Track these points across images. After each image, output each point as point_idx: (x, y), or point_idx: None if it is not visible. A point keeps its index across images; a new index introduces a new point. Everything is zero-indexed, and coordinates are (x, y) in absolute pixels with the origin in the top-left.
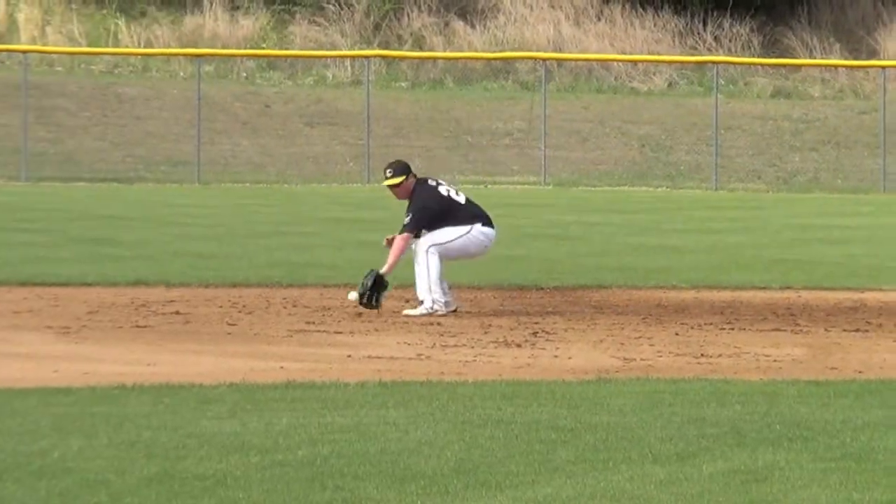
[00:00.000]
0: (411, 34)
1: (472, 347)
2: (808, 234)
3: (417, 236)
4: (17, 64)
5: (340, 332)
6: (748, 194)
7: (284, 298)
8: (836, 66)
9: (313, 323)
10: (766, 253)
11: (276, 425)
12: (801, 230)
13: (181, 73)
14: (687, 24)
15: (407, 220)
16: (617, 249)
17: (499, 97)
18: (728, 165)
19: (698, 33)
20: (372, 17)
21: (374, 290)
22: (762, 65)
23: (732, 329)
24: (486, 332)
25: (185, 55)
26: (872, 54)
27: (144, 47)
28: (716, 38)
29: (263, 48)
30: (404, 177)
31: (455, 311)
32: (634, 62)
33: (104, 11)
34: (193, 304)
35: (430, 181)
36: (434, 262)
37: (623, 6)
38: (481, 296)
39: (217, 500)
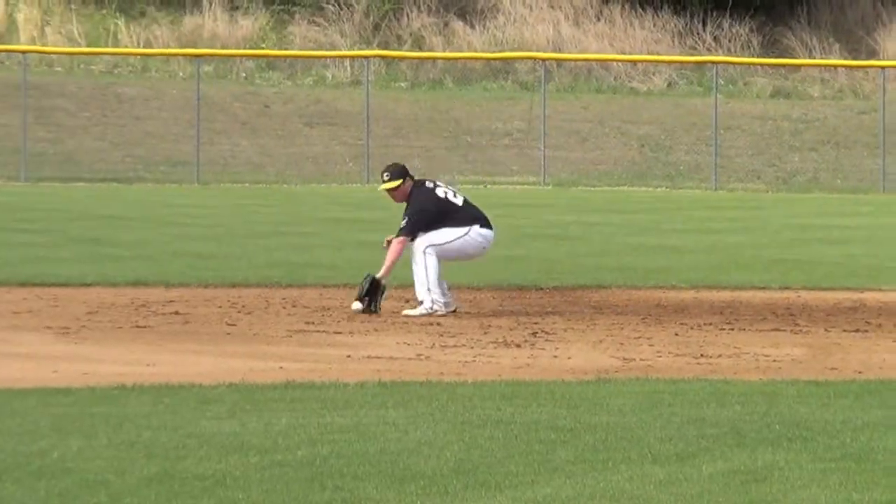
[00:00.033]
0: (411, 34)
1: (472, 348)
2: (807, 234)
3: (414, 239)
4: (17, 64)
5: (340, 333)
6: (748, 194)
7: (284, 299)
8: (835, 67)
9: (313, 323)
10: (766, 253)
11: (275, 425)
12: (800, 230)
13: (180, 74)
14: (686, 25)
15: (403, 223)
16: (616, 249)
17: (498, 97)
18: (727, 165)
19: (698, 33)
20: (371, 18)
21: (371, 294)
22: (762, 65)
23: (732, 329)
24: (485, 333)
25: (184, 55)
26: (872, 54)
27: (144, 47)
28: (715, 39)
29: (263, 48)
30: (401, 180)
31: (454, 311)
32: (634, 62)
33: (103, 11)
34: (193, 304)
35: (427, 183)
36: (432, 262)
37: (622, 6)
38: (481, 296)
39: (216, 501)
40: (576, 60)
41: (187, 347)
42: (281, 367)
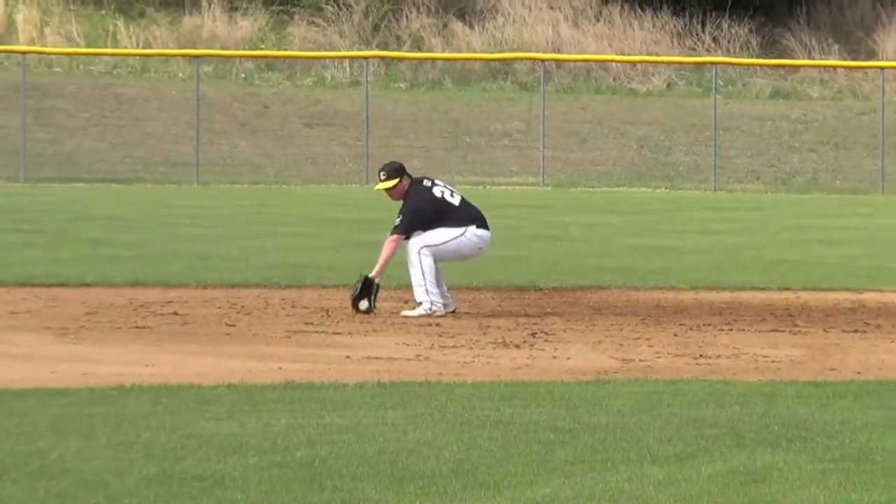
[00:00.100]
0: (410, 35)
1: (471, 348)
2: (806, 234)
3: (408, 237)
4: (16, 65)
5: (339, 333)
6: (747, 195)
7: (283, 299)
8: (834, 67)
9: (312, 324)
10: (765, 254)
11: (274, 426)
12: (799, 231)
13: (180, 74)
14: (685, 25)
15: (398, 221)
16: (616, 250)
17: (497, 98)
18: (727, 166)
19: (697, 34)
20: (370, 18)
21: (365, 293)
22: (761, 65)
23: (731, 330)
24: (484, 333)
25: (183, 56)
26: (871, 55)
27: (143, 48)
28: (714, 39)
29: (262, 49)
30: (398, 179)
31: (453, 311)
32: (633, 63)
33: (102, 12)
34: (192, 304)
35: (424, 182)
36: (428, 263)
37: (622, 7)
38: (480, 296)
39: (215, 501)
40: (575, 61)
41: (186, 348)
42: (280, 368)
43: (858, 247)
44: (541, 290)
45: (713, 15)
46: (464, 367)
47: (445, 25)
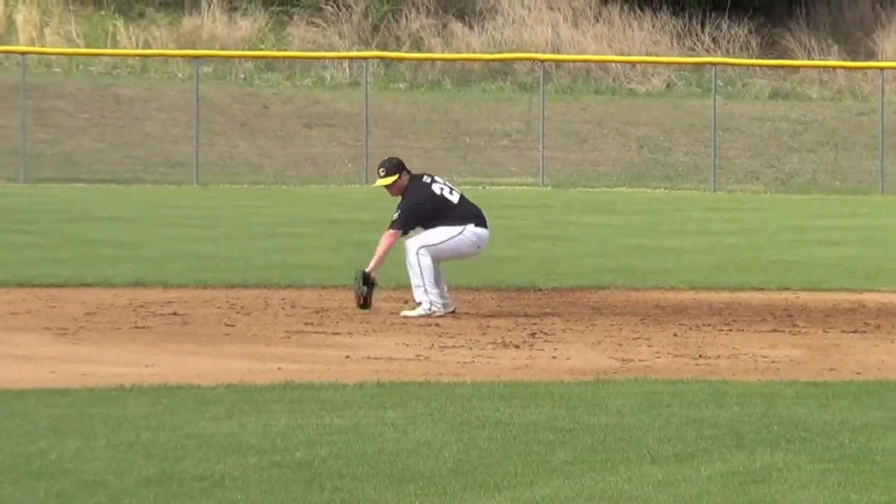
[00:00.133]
0: (409, 35)
1: (471, 348)
2: (806, 235)
3: (406, 233)
4: (16, 65)
5: (338, 333)
6: (746, 195)
7: (282, 299)
8: (834, 68)
9: (311, 324)
10: (765, 254)
11: (274, 426)
12: (799, 231)
13: (179, 75)
14: (685, 26)
15: (396, 215)
16: (615, 250)
17: (497, 98)
18: (726, 167)
19: (696, 34)
20: (370, 19)
21: (364, 289)
22: (760, 66)
23: (731, 330)
24: (484, 333)
25: (183, 56)
26: (870, 56)
27: (142, 48)
28: (714, 40)
29: (261, 49)
30: (397, 175)
31: (453, 312)
32: (632, 63)
33: (102, 12)
34: (191, 305)
35: (424, 178)
36: (426, 263)
37: (621, 7)
38: (479, 297)
39: (215, 502)
40: (574, 61)
41: (186, 348)
42: (279, 368)
43: (858, 247)
44: (540, 290)
45: (712, 15)
46: (463, 367)
47: (445, 26)
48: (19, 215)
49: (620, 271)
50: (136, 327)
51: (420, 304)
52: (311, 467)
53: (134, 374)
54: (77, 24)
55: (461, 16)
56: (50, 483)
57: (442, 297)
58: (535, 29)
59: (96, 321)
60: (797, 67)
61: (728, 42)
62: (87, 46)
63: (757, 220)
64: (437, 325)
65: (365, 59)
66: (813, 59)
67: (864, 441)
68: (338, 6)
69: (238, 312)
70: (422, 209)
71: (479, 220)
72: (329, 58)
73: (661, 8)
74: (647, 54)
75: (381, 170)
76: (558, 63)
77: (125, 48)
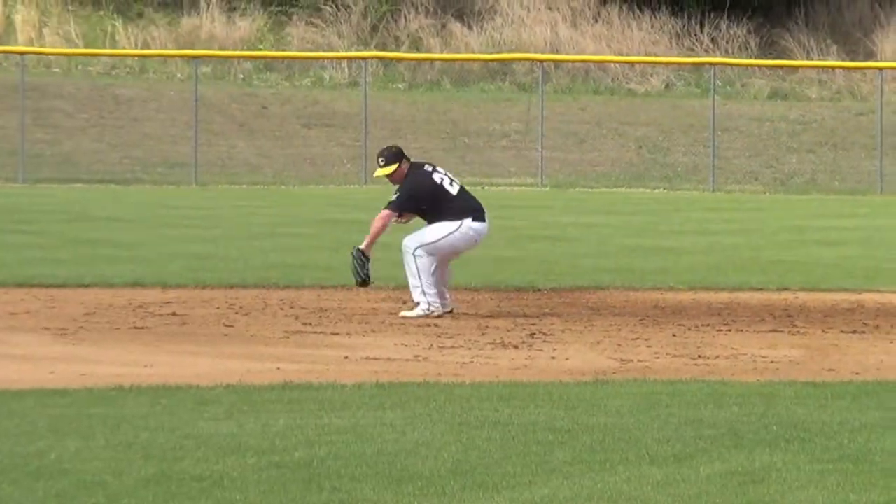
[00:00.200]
0: (408, 36)
1: (470, 349)
2: (805, 235)
3: (400, 216)
4: (15, 65)
5: (337, 334)
6: (745, 196)
7: (281, 300)
8: (833, 68)
9: (310, 324)
10: (764, 254)
11: (272, 426)
12: (798, 231)
13: (178, 75)
14: (684, 26)
15: (394, 197)
16: (614, 251)
17: (496, 98)
18: (725, 167)
19: (695, 35)
20: (369, 19)
21: (361, 266)
22: (759, 66)
23: (730, 330)
24: (483, 334)
25: (182, 56)
26: (869, 56)
27: (141, 48)
28: (713, 40)
29: (260, 49)
30: (397, 164)
31: (451, 312)
32: (631, 63)
33: (101, 13)
34: (190, 305)
35: (426, 167)
36: (423, 263)
37: (620, 8)
38: (478, 297)
39: (214, 502)
40: (573, 62)
41: (185, 348)
42: (278, 368)
43: (857, 247)
44: (539, 290)
45: (711, 16)
46: (462, 367)
47: (444, 26)
48: (18, 215)
49: (619, 272)
50: (135, 327)
51: (418, 304)
52: (310, 467)
53: (133, 375)
54: (76, 25)
55: (460, 16)
56: (49, 483)
57: (441, 297)
58: (534, 29)
59: (95, 321)
60: (796, 68)
61: (727, 42)
62: (86, 46)
63: (756, 221)
64: (435, 325)
65: (364, 59)
66: (812, 60)
67: (863, 441)
68: (337, 6)
69: (237, 313)
70: (421, 194)
71: (477, 214)
72: (328, 58)
73: (659, 8)
74: (646, 54)
75: (380, 159)
76: (557, 63)
77: (124, 48)
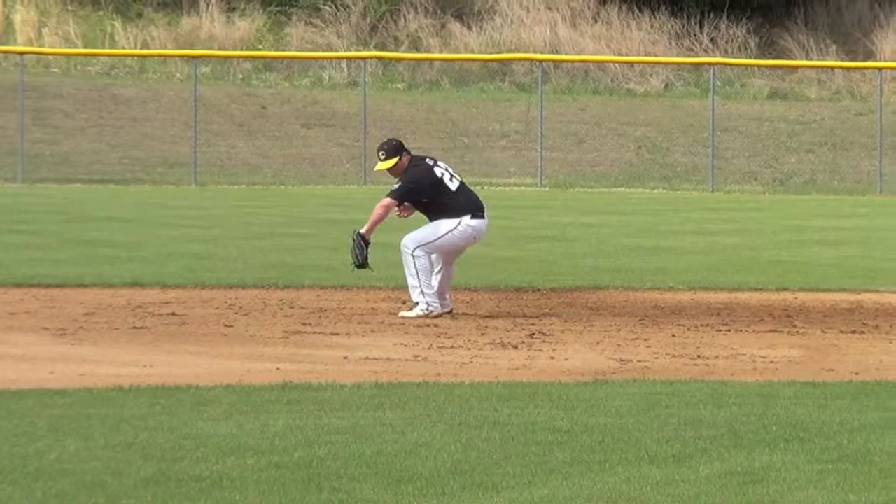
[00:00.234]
0: (408, 36)
1: (469, 349)
2: (804, 235)
3: (400, 205)
4: (14, 65)
5: (336, 334)
6: (745, 196)
7: (280, 300)
8: (832, 68)
9: (309, 324)
10: (763, 254)
11: (272, 427)
12: (797, 232)
13: (177, 75)
14: (683, 26)
15: (396, 186)
16: (613, 251)
17: (495, 98)
18: (724, 167)
19: (695, 35)
20: (368, 19)
21: (360, 249)
22: (758, 66)
23: (729, 330)
24: (482, 334)
25: (181, 56)
26: (869, 56)
27: (141, 49)
28: (712, 40)
29: (260, 49)
30: (398, 157)
31: (450, 312)
32: (631, 64)
33: (100, 13)
34: (189, 305)
35: (427, 160)
36: (422, 264)
37: (619, 8)
38: (478, 297)
39: (213, 502)
40: (573, 62)
41: (184, 349)
42: (278, 369)
43: (856, 247)
44: (538, 290)
45: (711, 16)
46: (462, 367)
47: (443, 26)
48: (17, 215)
49: (619, 272)
50: (135, 328)
51: (417, 304)
52: (310, 468)
53: (132, 375)
54: (75, 25)
55: (459, 16)
56: (48, 484)
57: (441, 297)
58: (534, 29)
59: (94, 321)
60: (795, 68)
61: (726, 42)
62: (85, 47)
63: (755, 221)
64: (435, 325)
65: (363, 59)
66: (811, 60)
67: (863, 441)
68: (336, 6)
69: (236, 313)
70: (420, 187)
71: (476, 211)
72: (327, 58)
73: (659, 8)
74: (646, 54)
75: (381, 152)
76: (557, 63)
77: (123, 48)
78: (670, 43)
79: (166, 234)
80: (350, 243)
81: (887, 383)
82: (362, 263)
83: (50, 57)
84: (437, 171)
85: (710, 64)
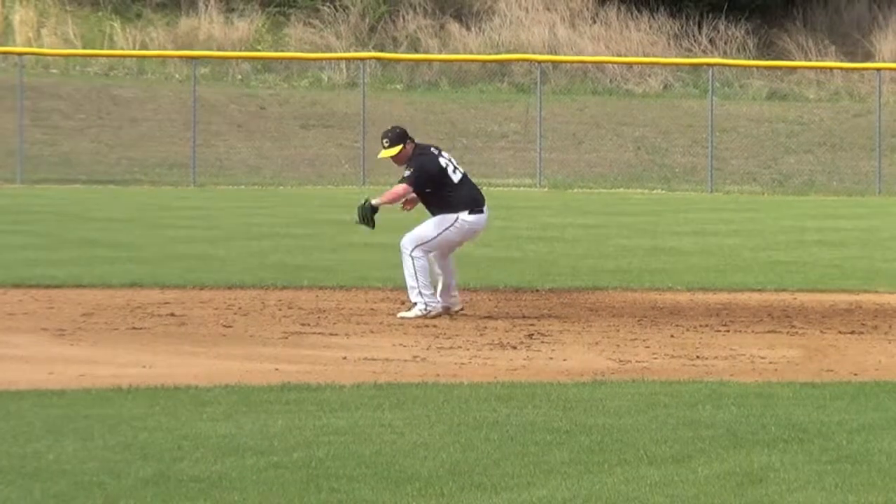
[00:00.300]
0: (406, 36)
1: (468, 349)
2: (803, 236)
3: (415, 189)
4: (13, 66)
5: (335, 334)
6: (743, 196)
7: (279, 300)
8: (831, 69)
9: (308, 325)
10: (762, 255)
11: (271, 427)
12: (796, 232)
13: (176, 76)
14: (682, 27)
15: (407, 173)
16: (612, 251)
17: (494, 99)
18: (723, 167)
19: (693, 35)
20: (367, 20)
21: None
22: (757, 67)
23: (728, 331)
24: (481, 334)
25: (180, 57)
26: (868, 56)
27: (139, 49)
28: (711, 41)
29: (259, 50)
30: (402, 145)
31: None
32: (630, 64)
33: (99, 13)
34: (188, 306)
35: (432, 149)
36: (420, 264)
37: (618, 8)
38: (477, 297)
39: (212, 502)
40: (572, 62)
41: (183, 349)
42: (277, 369)
43: (855, 248)
44: (537, 291)
45: (710, 16)
46: (461, 368)
47: (442, 27)
48: (16, 216)
49: (617, 272)
50: (134, 328)
51: (415, 304)
52: (309, 468)
53: (131, 375)
54: (74, 25)
55: (458, 17)
56: (47, 484)
57: (440, 298)
58: (532, 30)
59: (93, 322)
60: (794, 68)
61: (725, 43)
62: (84, 47)
63: (754, 221)
64: (434, 325)
65: (362, 60)
66: (810, 60)
67: (862, 442)
68: (335, 7)
69: (235, 313)
70: (428, 174)
71: (475, 206)
72: (326, 59)
73: (658, 9)
74: (645, 55)
75: (384, 140)
76: (555, 64)
77: (122, 49)
78: (669, 44)
79: (165, 234)
80: (358, 205)
81: (886, 384)
82: (364, 221)
83: (49, 57)
84: (442, 161)
85: (708, 65)
